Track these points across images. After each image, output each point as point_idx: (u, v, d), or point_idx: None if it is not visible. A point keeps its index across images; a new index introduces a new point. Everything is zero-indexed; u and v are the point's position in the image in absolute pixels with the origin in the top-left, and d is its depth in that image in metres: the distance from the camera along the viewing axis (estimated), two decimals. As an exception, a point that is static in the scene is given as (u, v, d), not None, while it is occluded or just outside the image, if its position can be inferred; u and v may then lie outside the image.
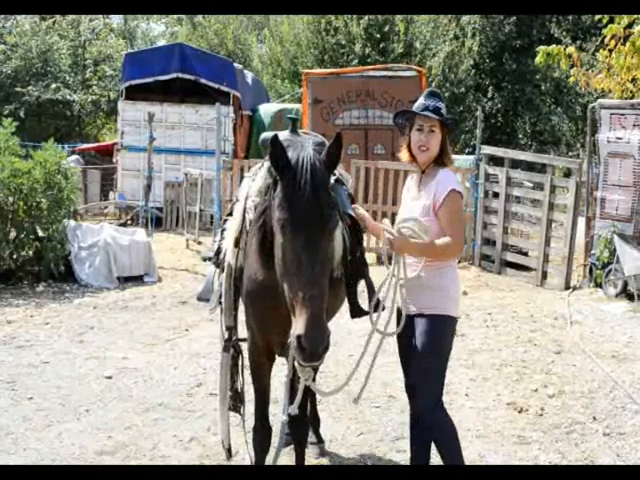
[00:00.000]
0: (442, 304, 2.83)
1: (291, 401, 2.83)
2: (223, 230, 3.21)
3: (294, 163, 2.34)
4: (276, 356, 2.97)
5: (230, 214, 3.17)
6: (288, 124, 3.26)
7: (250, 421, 3.08)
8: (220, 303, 3.17)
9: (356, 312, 3.05)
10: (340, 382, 4.70)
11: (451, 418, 2.91)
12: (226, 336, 3.15)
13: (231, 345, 3.14)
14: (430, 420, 2.84)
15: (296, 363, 2.36)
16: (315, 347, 2.17)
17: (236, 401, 3.22)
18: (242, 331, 3.07)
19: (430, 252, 2.77)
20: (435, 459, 3.03)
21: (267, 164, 2.52)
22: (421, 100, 2.89)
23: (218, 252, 3.29)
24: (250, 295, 2.81)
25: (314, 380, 2.69)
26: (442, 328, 2.83)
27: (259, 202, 2.68)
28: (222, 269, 3.14)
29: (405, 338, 2.88)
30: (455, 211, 2.82)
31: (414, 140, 2.88)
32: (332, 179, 2.87)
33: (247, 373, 3.09)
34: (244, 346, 3.08)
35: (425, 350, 2.78)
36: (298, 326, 2.18)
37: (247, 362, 3.04)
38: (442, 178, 2.84)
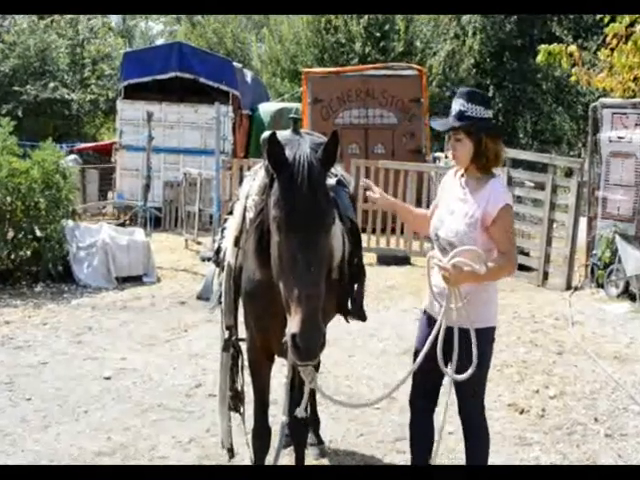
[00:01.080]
0: (487, 316, 2.76)
1: (293, 402, 2.81)
2: (223, 229, 3.19)
3: (291, 161, 2.31)
4: (275, 357, 2.95)
5: (231, 213, 3.15)
6: (288, 123, 3.24)
7: (250, 422, 3.06)
8: (220, 302, 3.15)
9: (347, 315, 3.04)
10: (340, 382, 4.70)
11: (489, 432, 2.89)
12: (226, 336, 3.13)
13: (231, 345, 3.12)
14: (480, 425, 2.83)
15: (295, 364, 2.34)
16: (310, 346, 2.15)
17: (236, 401, 3.20)
18: (242, 331, 3.05)
19: (487, 278, 2.65)
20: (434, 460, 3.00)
21: (265, 163, 2.49)
22: (452, 103, 2.74)
23: (218, 251, 3.27)
24: (248, 295, 2.79)
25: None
26: (488, 339, 2.76)
27: (258, 201, 2.66)
28: (222, 268, 3.12)
29: (437, 352, 2.71)
30: (509, 228, 2.69)
31: (450, 145, 2.77)
32: (333, 180, 2.85)
33: (247, 373, 3.06)
34: (244, 346, 3.06)
35: (478, 364, 2.65)
36: (293, 325, 2.16)
37: (247, 362, 3.02)
38: (494, 189, 2.67)
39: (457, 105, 2.68)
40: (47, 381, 4.72)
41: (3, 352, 5.35)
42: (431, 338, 2.69)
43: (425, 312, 2.91)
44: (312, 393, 3.49)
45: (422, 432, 2.95)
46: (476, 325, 2.67)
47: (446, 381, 2.80)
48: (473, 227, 2.65)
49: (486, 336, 2.73)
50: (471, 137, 2.66)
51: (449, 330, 2.68)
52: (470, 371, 2.62)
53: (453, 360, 2.66)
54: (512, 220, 2.73)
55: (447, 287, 2.64)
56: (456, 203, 2.74)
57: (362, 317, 3.17)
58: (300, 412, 2.62)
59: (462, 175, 2.79)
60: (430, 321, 2.83)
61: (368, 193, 2.95)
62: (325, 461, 3.60)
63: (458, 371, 2.66)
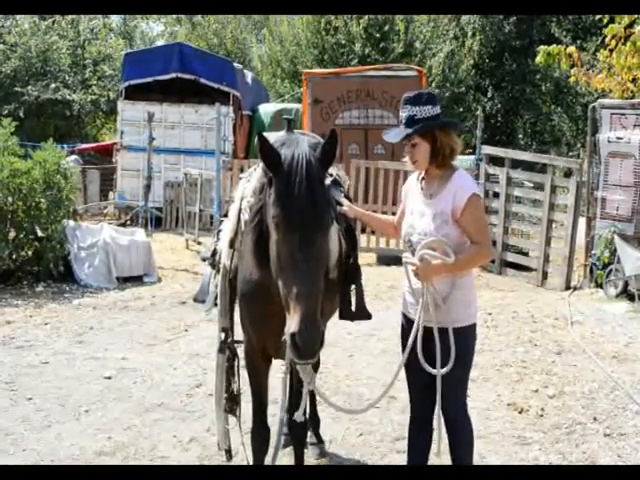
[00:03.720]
0: (465, 315, 2.76)
1: (291, 402, 2.82)
2: (219, 231, 3.20)
3: (289, 160, 2.32)
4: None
5: (226, 215, 3.17)
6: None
7: (248, 422, 3.07)
8: (216, 304, 3.16)
9: (346, 314, 3.05)
10: (340, 382, 4.72)
11: (473, 429, 2.91)
12: (222, 337, 3.14)
13: (227, 347, 3.13)
14: (460, 420, 2.84)
15: (295, 365, 2.35)
16: (309, 345, 2.15)
17: (232, 403, 3.21)
18: (239, 333, 3.06)
19: (460, 268, 2.66)
20: (433, 461, 3.02)
21: (262, 165, 2.50)
22: (400, 111, 2.73)
23: (214, 253, 3.28)
24: (245, 296, 2.79)
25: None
26: (469, 338, 2.79)
27: (254, 202, 2.67)
28: (218, 270, 3.13)
29: (418, 354, 2.71)
30: (479, 216, 2.71)
31: (406, 152, 2.76)
32: (329, 180, 2.87)
33: (245, 374, 3.07)
34: (241, 348, 3.07)
35: (458, 362, 2.67)
36: (292, 324, 2.17)
37: (243, 363, 3.03)
38: (460, 182, 2.70)
39: (405, 112, 2.69)
40: (48, 381, 4.73)
41: (4, 352, 5.36)
42: (410, 341, 2.70)
43: (403, 314, 2.92)
44: (312, 393, 3.50)
45: (422, 438, 2.94)
46: (455, 324, 2.69)
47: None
48: (445, 223, 2.66)
49: (466, 334, 2.74)
50: (426, 138, 2.67)
51: (428, 330, 2.69)
52: (447, 368, 2.64)
53: (437, 360, 2.67)
54: (481, 209, 2.74)
55: (422, 285, 2.64)
56: (423, 206, 2.75)
57: (366, 316, 3.19)
58: (299, 416, 2.62)
59: (422, 178, 2.80)
60: (409, 323, 2.83)
61: (339, 209, 2.93)
62: (325, 460, 3.61)
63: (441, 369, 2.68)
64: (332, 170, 3.14)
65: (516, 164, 10.19)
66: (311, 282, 2.20)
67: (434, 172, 2.74)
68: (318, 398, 3.91)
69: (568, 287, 7.96)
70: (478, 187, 2.85)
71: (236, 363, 3.16)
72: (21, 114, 18.87)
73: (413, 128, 2.65)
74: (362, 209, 3.24)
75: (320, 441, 3.70)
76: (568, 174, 14.64)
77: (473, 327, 2.81)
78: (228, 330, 3.13)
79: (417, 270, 2.63)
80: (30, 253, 7.82)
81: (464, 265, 2.67)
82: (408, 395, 2.99)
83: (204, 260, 9.41)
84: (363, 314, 3.16)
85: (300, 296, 2.16)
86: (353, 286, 3.08)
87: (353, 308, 3.09)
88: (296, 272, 2.20)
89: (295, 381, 2.82)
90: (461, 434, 2.86)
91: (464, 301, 2.75)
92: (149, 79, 13.86)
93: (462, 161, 10.69)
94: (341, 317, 3.06)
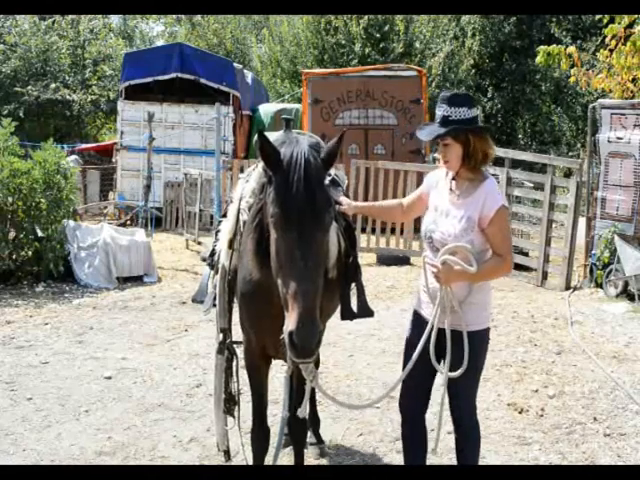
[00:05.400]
0: (481, 319, 2.73)
1: (292, 401, 2.82)
2: (218, 232, 3.20)
3: (288, 159, 2.32)
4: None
5: (224, 215, 3.17)
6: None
7: (248, 422, 3.07)
8: (214, 305, 3.16)
9: (347, 314, 3.05)
10: (340, 382, 4.72)
11: (480, 433, 2.91)
12: (220, 338, 3.14)
13: (225, 347, 3.13)
14: (470, 424, 2.82)
15: (293, 361, 2.35)
16: (306, 343, 2.15)
17: (230, 404, 3.21)
18: (238, 333, 3.06)
19: (481, 278, 2.64)
20: (432, 460, 3.02)
21: (262, 164, 2.51)
22: (436, 109, 2.72)
23: (213, 254, 3.28)
24: (245, 296, 2.79)
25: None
26: (482, 342, 2.75)
27: (253, 202, 2.67)
28: (216, 271, 3.13)
29: (431, 355, 2.71)
30: (505, 229, 2.68)
31: (439, 151, 2.74)
32: (327, 180, 2.87)
33: (245, 374, 3.07)
34: (240, 348, 3.07)
35: (470, 365, 2.65)
36: (290, 322, 2.17)
37: (243, 363, 3.03)
38: (489, 191, 2.65)
39: (440, 111, 2.66)
40: (48, 381, 4.74)
41: (4, 352, 5.36)
42: (423, 340, 2.69)
43: (415, 312, 2.89)
44: (312, 392, 3.50)
45: (415, 438, 2.92)
46: (470, 328, 2.66)
47: (441, 381, 2.79)
48: (470, 230, 2.64)
49: (480, 338, 2.72)
50: (458, 140, 2.63)
51: (441, 332, 2.68)
52: (460, 370, 2.62)
53: (446, 362, 2.66)
54: (508, 221, 2.73)
55: (439, 286, 2.63)
56: (449, 206, 2.72)
57: (369, 314, 3.19)
58: (301, 412, 2.62)
59: (453, 178, 2.76)
60: (419, 321, 2.82)
61: (338, 208, 2.90)
62: (325, 460, 3.61)
63: (450, 371, 2.67)
64: (331, 170, 3.15)
65: (516, 164, 10.19)
66: (309, 280, 2.19)
67: (465, 174, 2.70)
68: (318, 398, 3.91)
69: (568, 287, 7.95)
70: (504, 198, 2.79)
71: (235, 364, 3.16)
72: (21, 114, 18.90)
73: (445, 129, 2.62)
74: (361, 204, 3.23)
75: (320, 441, 3.70)
76: (568, 174, 14.67)
77: (487, 331, 2.78)
78: (227, 331, 3.13)
79: (438, 273, 2.60)
80: (30, 253, 7.82)
81: (485, 276, 2.65)
82: (399, 395, 2.93)
83: (204, 260, 9.42)
84: (365, 312, 3.16)
85: (298, 294, 2.16)
86: (354, 285, 3.07)
87: (355, 307, 3.08)
88: (294, 270, 2.20)
89: (296, 381, 2.82)
90: (469, 438, 2.84)
91: (480, 305, 2.72)
92: (149, 79, 13.87)
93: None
94: (343, 317, 3.06)
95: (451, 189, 2.75)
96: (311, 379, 2.48)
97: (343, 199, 2.99)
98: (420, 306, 2.85)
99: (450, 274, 2.60)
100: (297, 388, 2.83)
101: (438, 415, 2.78)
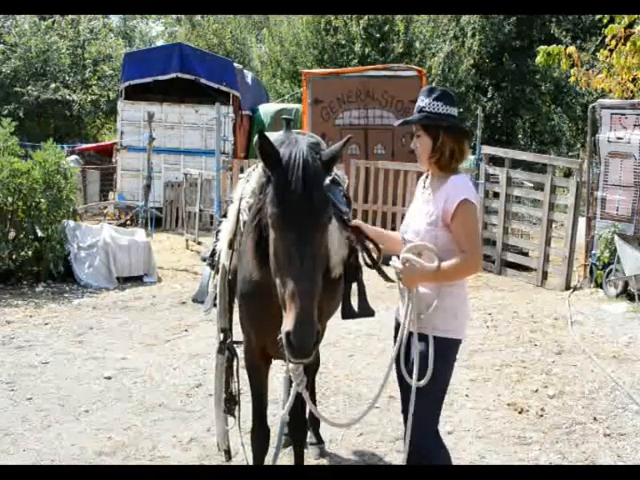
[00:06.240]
0: (448, 326, 2.55)
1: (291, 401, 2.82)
2: (218, 232, 3.20)
3: (286, 159, 2.32)
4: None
5: (225, 215, 3.17)
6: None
7: (248, 422, 3.07)
8: (215, 305, 3.16)
9: (348, 313, 3.05)
10: (340, 382, 4.72)
11: (446, 448, 2.65)
12: (221, 338, 3.14)
13: (226, 347, 3.13)
14: (424, 451, 2.57)
15: (289, 364, 2.34)
16: (304, 343, 2.14)
17: (231, 404, 3.21)
18: (238, 333, 3.06)
19: (443, 277, 2.49)
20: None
21: (261, 164, 2.51)
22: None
23: (213, 254, 3.28)
24: (245, 296, 2.79)
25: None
26: (448, 352, 2.57)
27: (253, 203, 2.67)
28: (217, 271, 3.13)
29: (400, 362, 2.60)
30: (468, 223, 2.51)
31: (412, 142, 2.68)
32: (327, 179, 2.87)
33: (245, 374, 3.08)
34: (240, 348, 3.07)
35: (424, 373, 2.49)
36: (287, 322, 2.17)
37: (243, 363, 3.03)
38: (453, 185, 2.56)
39: (418, 102, 2.64)
40: (48, 381, 4.74)
41: (4, 352, 5.36)
42: (396, 347, 2.59)
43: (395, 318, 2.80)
44: (312, 392, 3.50)
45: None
46: (435, 332, 2.52)
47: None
48: (434, 225, 2.55)
49: (445, 346, 2.53)
50: (428, 132, 2.58)
51: (410, 335, 2.57)
52: (425, 379, 2.46)
53: (414, 368, 2.51)
54: (473, 216, 2.55)
55: (407, 289, 2.53)
56: (421, 204, 2.68)
57: (370, 313, 3.19)
58: (284, 416, 2.60)
59: (426, 177, 2.73)
60: (396, 325, 2.74)
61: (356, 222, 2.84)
62: (325, 461, 3.61)
63: (418, 380, 2.50)
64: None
65: (516, 164, 10.19)
66: (307, 280, 2.19)
67: (435, 171, 2.66)
68: (318, 398, 3.91)
69: (568, 287, 7.96)
70: (475, 193, 2.63)
71: (235, 363, 3.16)
72: (21, 114, 18.92)
73: (416, 117, 2.61)
74: (372, 227, 3.00)
75: (320, 441, 3.70)
76: (568, 174, 14.66)
77: (455, 343, 2.59)
78: (227, 330, 3.13)
79: (400, 274, 2.52)
80: (30, 253, 7.82)
81: (448, 274, 2.49)
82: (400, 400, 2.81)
83: (204, 260, 9.42)
84: (366, 311, 3.16)
85: (296, 294, 2.16)
86: (355, 284, 3.07)
87: (355, 307, 3.08)
88: (292, 270, 2.20)
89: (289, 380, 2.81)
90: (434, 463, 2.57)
91: (449, 311, 2.56)
92: (149, 79, 13.87)
93: (462, 161, 10.70)
94: (344, 317, 3.06)
95: (423, 187, 2.72)
96: (298, 383, 2.45)
97: (358, 222, 2.90)
98: (397, 311, 2.78)
99: (413, 274, 2.50)
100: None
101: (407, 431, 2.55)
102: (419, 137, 2.62)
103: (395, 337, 2.72)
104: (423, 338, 2.53)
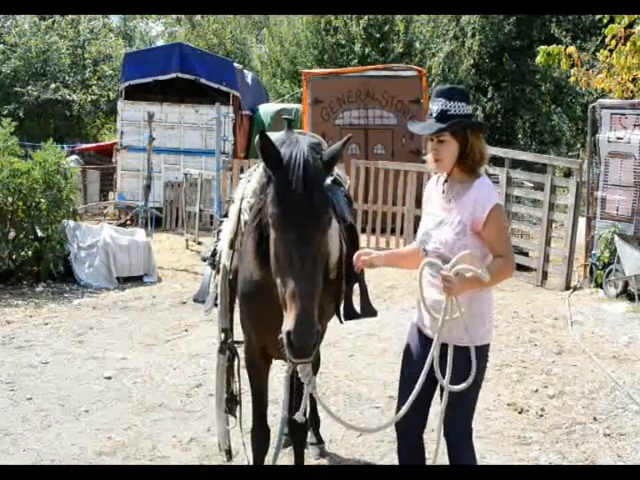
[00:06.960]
0: (479, 333, 2.53)
1: (291, 401, 2.81)
2: (219, 231, 3.21)
3: (287, 159, 2.32)
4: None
5: (225, 215, 3.17)
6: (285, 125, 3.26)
7: (249, 422, 3.07)
8: (216, 305, 3.16)
9: (349, 315, 3.04)
10: (340, 382, 4.72)
11: (475, 455, 2.71)
12: (222, 338, 3.14)
13: (227, 347, 3.13)
14: (462, 446, 2.63)
15: (297, 367, 2.34)
16: (304, 344, 2.15)
17: (232, 403, 3.21)
18: (239, 333, 3.06)
19: (488, 283, 2.43)
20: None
21: (262, 164, 2.51)
22: (430, 103, 2.54)
23: (214, 254, 3.28)
24: (245, 296, 2.79)
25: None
26: (481, 359, 2.54)
27: (254, 202, 2.67)
28: (218, 271, 3.13)
29: (436, 371, 2.53)
30: (502, 228, 2.48)
31: (429, 149, 2.52)
32: (329, 180, 2.87)
33: (245, 374, 3.08)
34: (241, 348, 3.07)
35: (472, 380, 2.48)
36: (288, 322, 2.17)
37: (244, 363, 3.03)
38: (482, 191, 2.46)
39: (437, 105, 2.47)
40: (48, 381, 4.74)
41: (4, 352, 5.36)
42: (429, 360, 2.50)
43: (417, 327, 2.69)
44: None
45: (414, 458, 2.75)
46: (475, 342, 2.50)
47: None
48: (462, 234, 2.46)
49: (479, 354, 2.52)
50: (457, 137, 2.44)
51: (443, 346, 2.50)
52: (465, 384, 2.45)
53: (446, 378, 2.47)
54: (504, 220, 2.53)
55: (445, 298, 2.42)
56: (441, 212, 2.55)
57: (372, 313, 3.18)
58: (299, 417, 2.60)
59: (445, 181, 2.57)
60: (420, 335, 2.65)
61: (364, 258, 2.70)
62: (325, 461, 3.61)
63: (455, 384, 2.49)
64: (333, 170, 3.15)
65: (516, 164, 10.19)
66: (308, 281, 2.19)
67: (457, 175, 2.52)
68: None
69: (568, 287, 7.96)
70: (498, 195, 2.54)
71: (236, 363, 3.16)
72: (21, 114, 18.92)
73: (446, 123, 2.42)
74: (383, 253, 2.86)
75: (320, 441, 3.70)
76: (568, 174, 14.66)
77: (487, 348, 2.59)
78: (228, 330, 3.13)
79: (450, 285, 2.37)
80: (30, 253, 7.82)
81: (491, 283, 2.44)
82: (395, 410, 2.77)
83: (204, 260, 9.42)
84: (369, 311, 3.16)
85: (296, 294, 2.16)
86: (356, 285, 3.07)
87: (357, 307, 3.08)
88: (293, 270, 2.20)
89: (296, 381, 2.82)
90: (461, 461, 2.63)
91: (479, 317, 2.53)
92: (149, 79, 13.87)
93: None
94: (346, 317, 3.05)
95: (443, 192, 2.56)
96: (307, 382, 2.44)
97: (372, 252, 2.77)
98: (423, 322, 2.64)
99: (463, 284, 2.39)
100: (297, 389, 2.83)
101: (437, 430, 2.64)
102: (443, 142, 2.46)
103: (412, 344, 2.67)
104: (460, 349, 2.49)
